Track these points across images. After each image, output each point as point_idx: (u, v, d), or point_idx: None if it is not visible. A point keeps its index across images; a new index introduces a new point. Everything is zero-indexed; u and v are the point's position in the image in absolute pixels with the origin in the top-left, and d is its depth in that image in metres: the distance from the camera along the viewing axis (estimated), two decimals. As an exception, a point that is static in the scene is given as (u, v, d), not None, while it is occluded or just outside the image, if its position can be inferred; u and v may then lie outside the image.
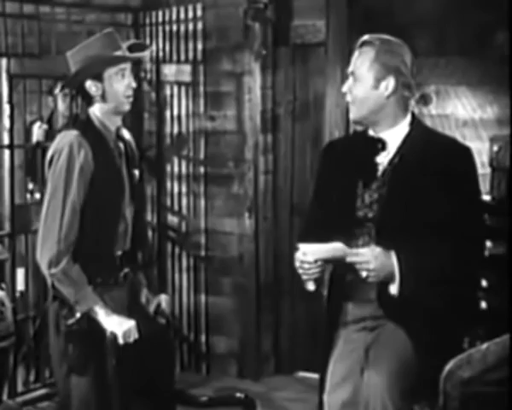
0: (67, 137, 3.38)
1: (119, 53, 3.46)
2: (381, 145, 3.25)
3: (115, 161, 3.49)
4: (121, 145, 3.53)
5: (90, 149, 3.36)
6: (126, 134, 3.59)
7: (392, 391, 3.04)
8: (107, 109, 3.46)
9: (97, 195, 3.38)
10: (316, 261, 3.13)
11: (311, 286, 3.22)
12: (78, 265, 3.35)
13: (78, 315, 3.33)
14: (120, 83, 3.44)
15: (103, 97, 3.44)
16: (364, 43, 3.23)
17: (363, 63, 3.21)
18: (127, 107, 3.50)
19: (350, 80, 3.26)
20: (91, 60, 3.40)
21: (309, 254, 3.13)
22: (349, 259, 3.09)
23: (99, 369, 3.36)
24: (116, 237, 3.48)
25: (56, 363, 3.45)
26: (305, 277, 3.18)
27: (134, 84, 3.49)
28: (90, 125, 3.45)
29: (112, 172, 3.46)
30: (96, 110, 3.47)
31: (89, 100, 3.48)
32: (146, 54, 3.81)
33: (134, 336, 3.36)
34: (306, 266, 3.14)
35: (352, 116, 3.29)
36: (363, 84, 3.21)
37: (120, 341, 3.33)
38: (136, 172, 3.59)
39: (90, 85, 3.43)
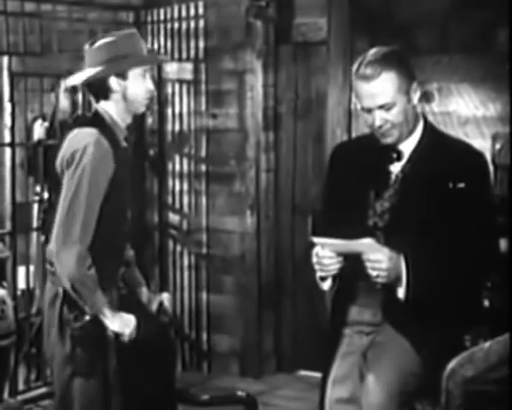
0: (89, 136, 3.26)
1: (145, 54, 3.43)
2: (396, 155, 3.17)
3: (128, 160, 3.44)
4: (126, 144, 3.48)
5: (110, 148, 3.27)
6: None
7: (392, 394, 3.02)
8: (124, 108, 3.39)
9: (111, 195, 3.30)
10: (336, 256, 3.06)
11: (326, 286, 3.19)
12: (93, 267, 3.25)
13: (87, 318, 3.26)
14: (142, 84, 3.38)
15: (124, 96, 3.37)
16: (378, 74, 3.07)
17: (388, 90, 3.08)
18: (143, 109, 3.44)
19: (382, 113, 3.10)
20: (122, 58, 3.33)
21: (328, 247, 3.07)
22: (364, 256, 3.02)
23: (103, 370, 3.32)
24: (124, 236, 3.46)
25: (59, 365, 3.36)
26: (322, 273, 3.14)
27: (152, 87, 3.42)
28: (102, 123, 3.35)
29: (125, 172, 3.38)
30: (108, 107, 3.38)
31: (103, 96, 3.38)
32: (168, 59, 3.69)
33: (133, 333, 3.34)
34: (326, 261, 3.10)
35: (390, 141, 3.15)
36: (398, 107, 3.10)
37: (125, 339, 3.29)
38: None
39: (114, 82, 3.35)
